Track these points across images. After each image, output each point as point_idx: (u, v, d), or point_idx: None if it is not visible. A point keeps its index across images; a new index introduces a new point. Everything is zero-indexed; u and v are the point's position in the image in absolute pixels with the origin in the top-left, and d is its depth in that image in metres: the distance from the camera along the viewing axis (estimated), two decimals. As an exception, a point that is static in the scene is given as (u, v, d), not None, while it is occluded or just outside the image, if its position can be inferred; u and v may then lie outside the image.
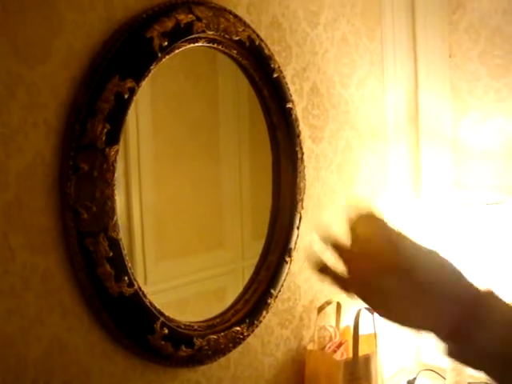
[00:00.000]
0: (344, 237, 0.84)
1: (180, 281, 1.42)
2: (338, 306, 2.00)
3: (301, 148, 1.75)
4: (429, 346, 2.54)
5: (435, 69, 2.44)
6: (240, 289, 1.67)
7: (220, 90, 1.66)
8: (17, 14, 1.12)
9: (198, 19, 1.40)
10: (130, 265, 1.28)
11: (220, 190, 1.68)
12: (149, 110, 1.33)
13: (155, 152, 1.39)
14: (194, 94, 1.55)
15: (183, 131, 1.52)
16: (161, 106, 1.37)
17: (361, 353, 1.83)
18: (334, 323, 2.00)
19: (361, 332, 1.85)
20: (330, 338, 1.96)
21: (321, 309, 1.94)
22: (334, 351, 1.91)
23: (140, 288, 1.30)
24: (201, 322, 1.50)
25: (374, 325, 1.91)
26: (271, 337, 1.79)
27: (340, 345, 1.95)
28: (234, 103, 1.71)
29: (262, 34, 1.66)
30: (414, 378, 2.36)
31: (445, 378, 2.18)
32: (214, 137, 1.63)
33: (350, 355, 1.90)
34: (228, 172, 1.68)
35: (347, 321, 2.06)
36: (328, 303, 1.96)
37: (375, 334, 1.91)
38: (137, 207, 1.39)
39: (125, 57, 1.26)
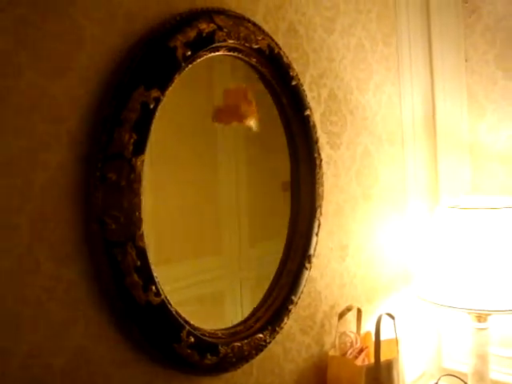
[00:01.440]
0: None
1: (177, 285, 1.42)
2: (359, 311, 2.00)
3: (319, 154, 1.75)
4: (450, 351, 2.53)
5: (451, 73, 2.44)
6: (237, 294, 1.68)
7: (215, 96, 1.65)
8: (38, 28, 1.13)
9: (220, 28, 1.41)
10: (156, 274, 1.28)
11: (217, 196, 1.68)
12: (158, 116, 1.33)
13: (153, 159, 1.39)
14: (191, 102, 1.55)
15: (181, 138, 1.52)
16: (158, 114, 1.37)
17: (382, 358, 1.82)
18: (354, 329, 2.00)
19: (382, 337, 1.85)
20: (351, 344, 1.96)
21: (342, 315, 1.94)
22: (356, 357, 1.91)
23: (166, 297, 1.31)
24: (224, 329, 1.51)
25: (396, 330, 1.90)
26: (293, 343, 1.79)
27: (361, 351, 1.95)
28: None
29: (280, 42, 1.67)
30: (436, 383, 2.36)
31: (466, 383, 2.16)
32: (211, 144, 1.63)
33: (372, 361, 1.90)
34: (225, 179, 1.68)
35: (368, 327, 2.06)
36: (349, 309, 1.97)
37: (397, 340, 1.91)
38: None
39: (149, 67, 1.27)
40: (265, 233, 1.79)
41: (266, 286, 1.68)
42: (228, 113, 1.47)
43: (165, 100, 1.30)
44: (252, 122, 1.50)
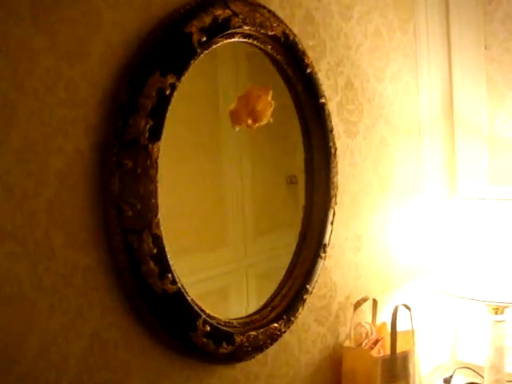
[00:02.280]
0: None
1: (183, 280, 1.41)
2: (374, 302, 1.99)
3: (334, 143, 1.73)
4: (465, 344, 2.51)
5: (470, 61, 2.41)
6: (243, 287, 1.67)
7: (220, 85, 1.63)
8: (55, 12, 1.12)
9: (235, 14, 1.39)
10: (172, 262, 1.27)
11: (222, 187, 1.66)
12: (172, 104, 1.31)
13: (165, 149, 1.37)
14: (194, 90, 1.53)
15: (184, 129, 1.50)
16: (185, 100, 1.34)
17: (398, 350, 1.81)
18: (370, 320, 1.99)
19: (398, 329, 1.83)
20: (367, 335, 1.95)
21: (357, 305, 1.93)
22: (371, 348, 1.90)
23: (182, 285, 1.30)
24: (240, 318, 1.50)
25: (412, 322, 1.88)
26: (307, 333, 1.78)
27: (376, 342, 1.94)
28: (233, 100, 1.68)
29: (296, 29, 1.64)
30: (451, 376, 2.34)
31: (482, 376, 2.14)
32: (214, 134, 1.61)
33: (387, 352, 1.89)
34: (229, 169, 1.66)
35: (383, 318, 2.04)
36: (364, 300, 1.95)
37: (413, 331, 1.89)
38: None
39: (165, 53, 1.25)
40: (271, 225, 1.77)
41: (276, 276, 1.66)
42: (246, 115, 1.45)
43: (181, 85, 1.28)
44: (269, 120, 1.47)
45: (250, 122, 1.41)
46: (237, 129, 1.43)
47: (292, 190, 1.73)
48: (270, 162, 1.73)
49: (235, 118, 1.42)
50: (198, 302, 1.35)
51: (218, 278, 1.61)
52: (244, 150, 1.62)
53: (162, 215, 1.25)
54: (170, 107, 1.25)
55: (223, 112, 1.56)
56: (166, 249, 1.26)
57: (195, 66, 1.33)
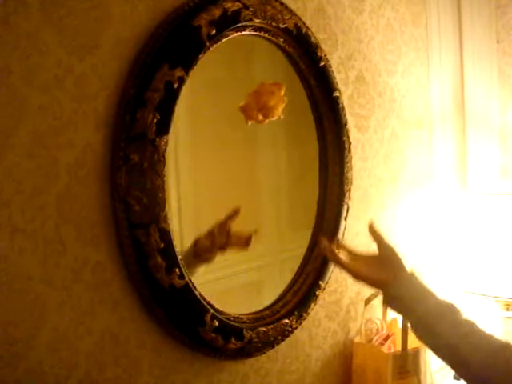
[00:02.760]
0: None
1: (216, 274, 1.40)
2: (385, 297, 1.97)
3: (348, 137, 1.72)
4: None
5: (482, 55, 2.38)
6: (277, 281, 1.66)
7: (257, 78, 1.62)
8: (64, 5, 1.11)
9: (245, 7, 1.38)
10: (180, 256, 1.26)
11: (257, 180, 1.65)
12: (186, 98, 1.30)
13: (192, 141, 1.36)
14: (231, 81, 1.52)
15: (220, 119, 1.49)
16: (198, 94, 1.33)
17: (409, 346, 1.79)
18: (380, 316, 1.97)
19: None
20: (377, 331, 1.93)
21: (368, 301, 1.91)
22: (382, 344, 1.88)
23: (190, 280, 1.29)
24: (250, 314, 1.49)
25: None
26: (318, 329, 1.77)
27: (387, 338, 1.92)
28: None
29: (308, 22, 1.62)
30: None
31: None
32: (251, 126, 1.60)
33: (398, 348, 1.87)
34: (265, 162, 1.65)
35: (394, 314, 2.02)
36: (375, 295, 1.93)
37: (424, 327, 1.87)
38: (174, 197, 1.35)
39: (173, 46, 1.24)
40: (304, 220, 1.76)
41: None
42: (257, 110, 1.43)
43: (189, 80, 1.27)
44: (280, 116, 1.46)
45: (260, 117, 1.40)
46: (249, 123, 1.41)
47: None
48: (306, 158, 1.72)
49: (246, 112, 1.41)
50: (207, 297, 1.34)
51: (251, 271, 1.61)
52: (280, 145, 1.62)
53: (193, 208, 1.24)
54: (178, 101, 1.24)
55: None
56: (175, 243, 1.25)
57: (211, 59, 1.32)
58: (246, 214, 1.52)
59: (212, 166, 1.47)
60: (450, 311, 1.28)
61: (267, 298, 1.60)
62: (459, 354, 1.23)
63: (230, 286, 1.54)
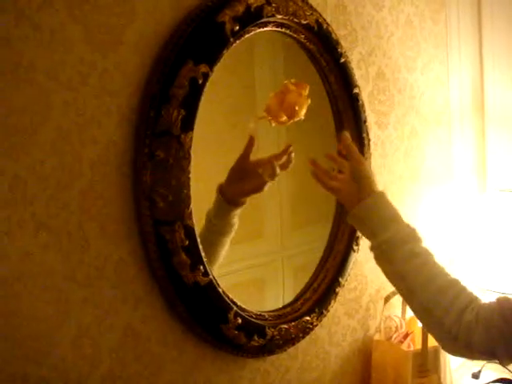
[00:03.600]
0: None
1: (221, 270, 1.39)
2: (404, 295, 1.96)
3: (367, 134, 1.71)
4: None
5: (502, 52, 2.36)
6: (280, 279, 1.65)
7: (256, 76, 1.61)
8: (89, 1, 1.11)
9: (268, 3, 1.37)
10: (203, 254, 1.26)
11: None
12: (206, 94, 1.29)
13: (199, 140, 1.36)
14: (231, 80, 1.51)
15: (221, 119, 1.49)
16: (216, 91, 1.32)
17: (429, 344, 1.79)
18: (399, 313, 1.96)
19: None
20: (396, 329, 1.92)
21: (388, 298, 1.91)
22: (401, 342, 1.88)
23: (214, 277, 1.28)
24: (271, 311, 1.49)
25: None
26: (338, 327, 1.76)
27: (406, 335, 1.91)
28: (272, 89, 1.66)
29: (328, 18, 1.62)
30: (479, 371, 2.30)
31: (511, 372, 2.11)
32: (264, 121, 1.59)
33: (417, 346, 1.87)
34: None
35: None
36: (394, 293, 1.92)
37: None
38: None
39: (197, 42, 1.24)
40: (308, 217, 1.75)
41: (312, 269, 1.64)
42: (281, 111, 1.42)
43: (213, 75, 1.26)
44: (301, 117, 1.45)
45: (284, 118, 1.39)
46: (273, 124, 1.41)
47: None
48: (309, 154, 1.71)
49: (271, 113, 1.40)
50: (230, 294, 1.34)
51: (254, 269, 1.60)
52: (282, 141, 1.60)
53: (198, 207, 1.24)
54: (202, 97, 1.24)
55: (260, 103, 1.54)
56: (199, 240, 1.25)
57: (232, 56, 1.31)
58: (248, 210, 1.53)
59: (214, 166, 1.47)
60: (410, 239, 1.30)
61: (270, 296, 1.63)
62: (407, 286, 1.27)
63: (234, 283, 1.53)
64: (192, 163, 1.23)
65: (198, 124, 1.24)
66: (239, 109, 1.54)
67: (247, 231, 1.57)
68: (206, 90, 1.25)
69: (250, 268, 1.59)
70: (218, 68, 1.28)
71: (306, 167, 1.45)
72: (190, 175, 1.21)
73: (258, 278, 1.64)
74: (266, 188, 1.47)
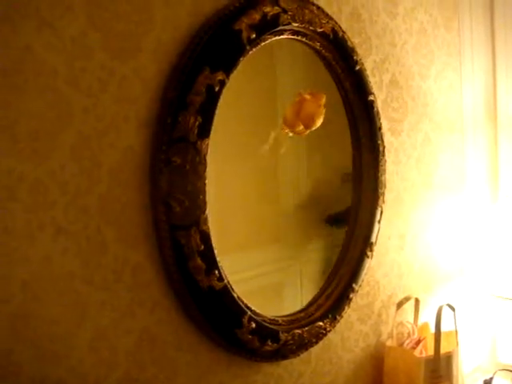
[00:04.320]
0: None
1: (239, 276, 1.40)
2: (417, 302, 1.97)
3: (382, 141, 1.72)
4: (506, 346, 2.47)
5: (515, 59, 2.36)
6: (298, 284, 1.66)
7: (277, 84, 1.63)
8: (109, 9, 1.13)
9: (284, 11, 1.39)
10: (219, 258, 1.27)
11: (278, 185, 1.66)
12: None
13: (214, 146, 1.38)
14: (251, 88, 1.53)
15: (242, 126, 1.51)
16: (232, 98, 1.35)
17: (441, 350, 1.79)
18: (411, 319, 1.97)
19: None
20: (408, 335, 1.93)
21: (400, 304, 1.91)
22: (413, 348, 1.88)
23: (229, 282, 1.30)
24: (285, 316, 1.50)
25: (456, 322, 1.86)
26: (350, 332, 1.77)
27: (419, 342, 1.92)
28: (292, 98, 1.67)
29: (343, 26, 1.63)
30: (491, 378, 2.30)
31: (524, 379, 2.11)
32: (271, 131, 1.60)
33: (429, 352, 1.87)
34: (285, 166, 1.65)
35: (424, 317, 2.02)
36: (407, 299, 1.93)
37: (456, 332, 1.87)
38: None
39: (214, 49, 1.26)
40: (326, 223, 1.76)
41: (327, 274, 1.65)
42: (298, 121, 1.44)
43: (229, 83, 1.28)
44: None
45: (301, 128, 1.41)
46: (290, 134, 1.42)
47: (347, 188, 1.72)
48: (326, 160, 1.72)
49: (288, 123, 1.42)
50: (244, 299, 1.35)
51: (271, 274, 1.61)
52: (300, 147, 1.62)
53: (215, 212, 1.25)
54: (218, 104, 1.26)
55: (280, 110, 1.56)
56: (215, 245, 1.26)
57: (252, 65, 1.33)
58: (266, 215, 1.53)
59: (233, 172, 1.48)
60: None
61: (288, 300, 1.63)
62: None
63: (252, 288, 1.54)
64: (210, 169, 1.25)
65: (218, 131, 1.26)
66: (259, 117, 1.56)
67: (265, 236, 1.58)
68: (223, 97, 1.27)
69: (268, 273, 1.60)
70: (238, 76, 1.31)
71: (323, 172, 1.47)
72: (206, 181, 1.23)
73: (277, 283, 1.65)
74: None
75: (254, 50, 1.34)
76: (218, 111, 1.26)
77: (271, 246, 1.63)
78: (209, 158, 1.24)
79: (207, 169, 1.23)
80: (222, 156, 1.39)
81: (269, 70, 1.61)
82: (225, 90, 1.27)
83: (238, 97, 1.45)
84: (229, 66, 1.27)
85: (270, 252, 1.61)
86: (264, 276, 1.58)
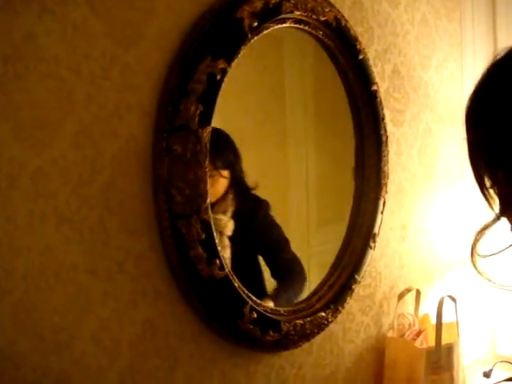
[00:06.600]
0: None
1: None
2: (418, 293, 1.96)
3: (385, 131, 1.71)
4: (505, 338, 2.47)
5: (517, 50, 2.35)
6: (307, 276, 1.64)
7: (286, 75, 1.62)
8: (112, -4, 1.12)
9: (287, -1, 1.38)
10: (220, 248, 1.26)
11: (286, 176, 1.65)
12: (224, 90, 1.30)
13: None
14: (259, 80, 1.52)
15: (249, 117, 1.50)
16: (226, 92, 1.34)
17: (443, 341, 1.79)
18: (412, 311, 1.96)
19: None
20: (409, 326, 1.92)
21: (401, 296, 1.91)
22: (414, 339, 1.88)
23: (230, 271, 1.29)
24: (286, 306, 1.49)
25: (457, 313, 1.86)
26: (352, 323, 1.77)
27: (419, 333, 1.91)
28: (303, 89, 1.66)
29: (345, 15, 1.61)
30: (491, 370, 2.30)
31: (523, 370, 2.11)
32: (280, 124, 1.60)
33: (430, 344, 1.87)
34: (294, 159, 1.65)
35: (425, 309, 2.02)
36: (408, 290, 1.93)
37: (457, 323, 1.86)
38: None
39: (216, 37, 1.24)
40: (334, 215, 1.75)
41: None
42: None
43: (231, 72, 1.27)
44: None
45: None
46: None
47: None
48: (336, 153, 1.71)
49: None
50: (245, 289, 1.35)
51: None
52: (310, 140, 1.61)
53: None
54: (220, 92, 1.24)
55: (289, 101, 1.55)
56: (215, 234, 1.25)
57: (260, 56, 1.32)
58: (277, 208, 1.52)
59: (258, 160, 1.48)
60: None
61: None
62: None
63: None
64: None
65: (227, 121, 1.24)
66: (268, 108, 1.54)
67: None
68: (232, 89, 1.26)
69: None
70: (245, 68, 1.30)
71: (329, 165, 1.46)
72: (207, 170, 1.21)
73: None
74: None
75: (255, 38, 1.32)
76: (223, 101, 1.24)
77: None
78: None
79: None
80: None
81: (283, 63, 1.60)
82: (232, 81, 1.26)
83: (252, 88, 1.45)
84: (230, 54, 1.26)
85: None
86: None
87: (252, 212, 1.44)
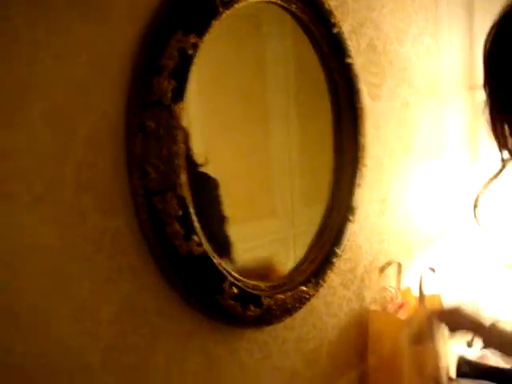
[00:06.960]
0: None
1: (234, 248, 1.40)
2: (399, 266, 1.97)
3: (361, 104, 1.71)
4: (486, 308, 2.50)
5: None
6: (291, 256, 1.65)
7: (267, 53, 1.61)
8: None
9: (259, -28, 1.37)
10: (198, 224, 1.26)
11: (269, 157, 1.64)
12: (194, 77, 1.29)
13: (202, 119, 1.35)
14: (239, 58, 1.51)
15: (229, 97, 1.48)
16: (205, 72, 1.32)
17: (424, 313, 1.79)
18: (394, 284, 1.97)
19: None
20: (392, 299, 1.94)
21: (382, 269, 1.92)
22: (397, 312, 1.89)
23: (209, 247, 1.29)
24: (268, 282, 1.49)
25: (438, 284, 1.87)
26: (334, 297, 1.77)
27: (402, 306, 1.92)
28: (281, 66, 1.65)
29: (318, -11, 1.60)
30: (472, 339, 2.32)
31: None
32: (261, 103, 1.59)
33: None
34: (277, 139, 1.64)
35: (407, 282, 2.03)
36: (389, 264, 1.94)
37: (440, 294, 1.88)
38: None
39: (186, 12, 1.23)
40: (317, 195, 1.75)
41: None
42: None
43: (205, 48, 1.26)
44: None
45: None
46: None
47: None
48: (319, 133, 1.71)
49: None
50: (225, 265, 1.34)
51: (265, 246, 1.60)
52: (292, 119, 1.61)
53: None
54: (192, 67, 1.23)
55: (270, 82, 1.55)
56: (191, 210, 1.25)
57: (240, 35, 1.31)
58: (259, 189, 1.52)
59: (222, 145, 1.46)
60: None
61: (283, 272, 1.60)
62: None
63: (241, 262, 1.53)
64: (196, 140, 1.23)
65: (207, 102, 1.23)
66: (248, 87, 1.54)
67: (259, 210, 1.57)
68: (203, 65, 1.25)
69: (262, 246, 1.59)
70: (224, 47, 1.29)
71: (312, 144, 1.45)
72: (182, 145, 1.21)
73: (270, 255, 1.63)
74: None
75: (227, 12, 1.31)
76: (202, 81, 1.24)
77: (267, 219, 1.63)
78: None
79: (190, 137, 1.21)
80: (217, 126, 1.38)
81: (264, 42, 1.58)
82: (210, 61, 1.26)
83: (227, 69, 1.44)
84: (201, 29, 1.24)
85: (265, 225, 1.61)
86: (259, 249, 1.58)
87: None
